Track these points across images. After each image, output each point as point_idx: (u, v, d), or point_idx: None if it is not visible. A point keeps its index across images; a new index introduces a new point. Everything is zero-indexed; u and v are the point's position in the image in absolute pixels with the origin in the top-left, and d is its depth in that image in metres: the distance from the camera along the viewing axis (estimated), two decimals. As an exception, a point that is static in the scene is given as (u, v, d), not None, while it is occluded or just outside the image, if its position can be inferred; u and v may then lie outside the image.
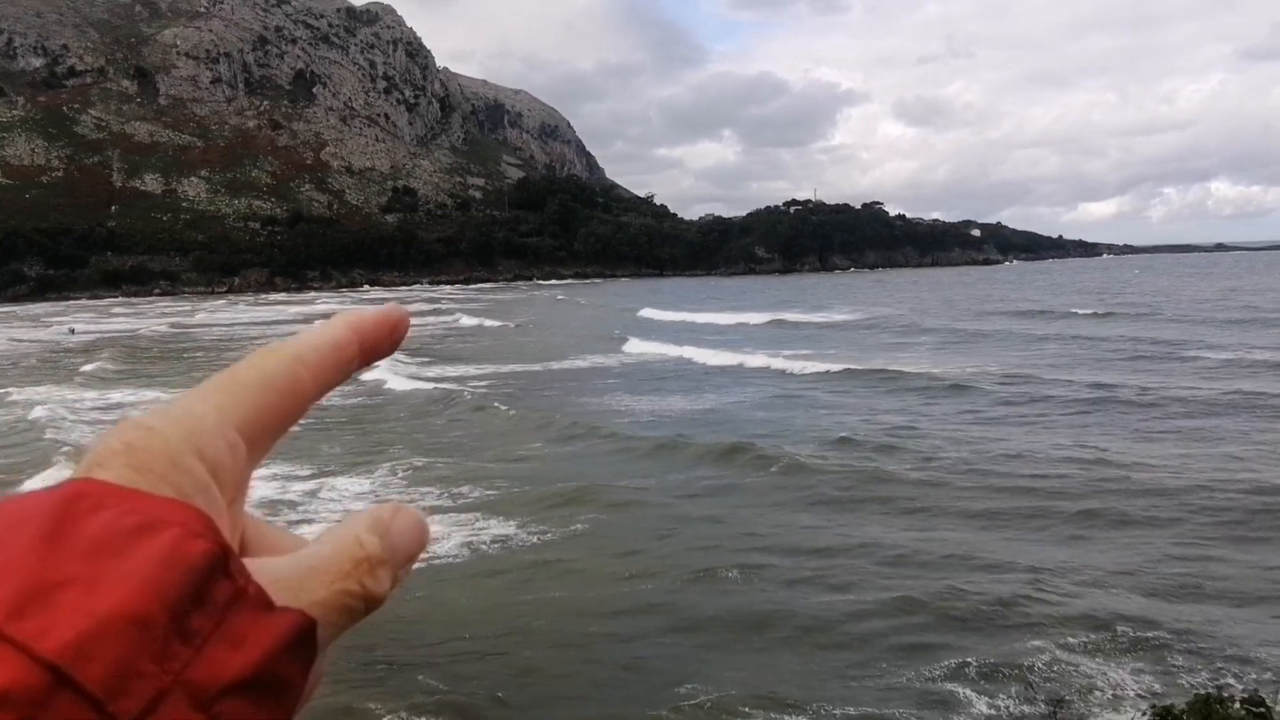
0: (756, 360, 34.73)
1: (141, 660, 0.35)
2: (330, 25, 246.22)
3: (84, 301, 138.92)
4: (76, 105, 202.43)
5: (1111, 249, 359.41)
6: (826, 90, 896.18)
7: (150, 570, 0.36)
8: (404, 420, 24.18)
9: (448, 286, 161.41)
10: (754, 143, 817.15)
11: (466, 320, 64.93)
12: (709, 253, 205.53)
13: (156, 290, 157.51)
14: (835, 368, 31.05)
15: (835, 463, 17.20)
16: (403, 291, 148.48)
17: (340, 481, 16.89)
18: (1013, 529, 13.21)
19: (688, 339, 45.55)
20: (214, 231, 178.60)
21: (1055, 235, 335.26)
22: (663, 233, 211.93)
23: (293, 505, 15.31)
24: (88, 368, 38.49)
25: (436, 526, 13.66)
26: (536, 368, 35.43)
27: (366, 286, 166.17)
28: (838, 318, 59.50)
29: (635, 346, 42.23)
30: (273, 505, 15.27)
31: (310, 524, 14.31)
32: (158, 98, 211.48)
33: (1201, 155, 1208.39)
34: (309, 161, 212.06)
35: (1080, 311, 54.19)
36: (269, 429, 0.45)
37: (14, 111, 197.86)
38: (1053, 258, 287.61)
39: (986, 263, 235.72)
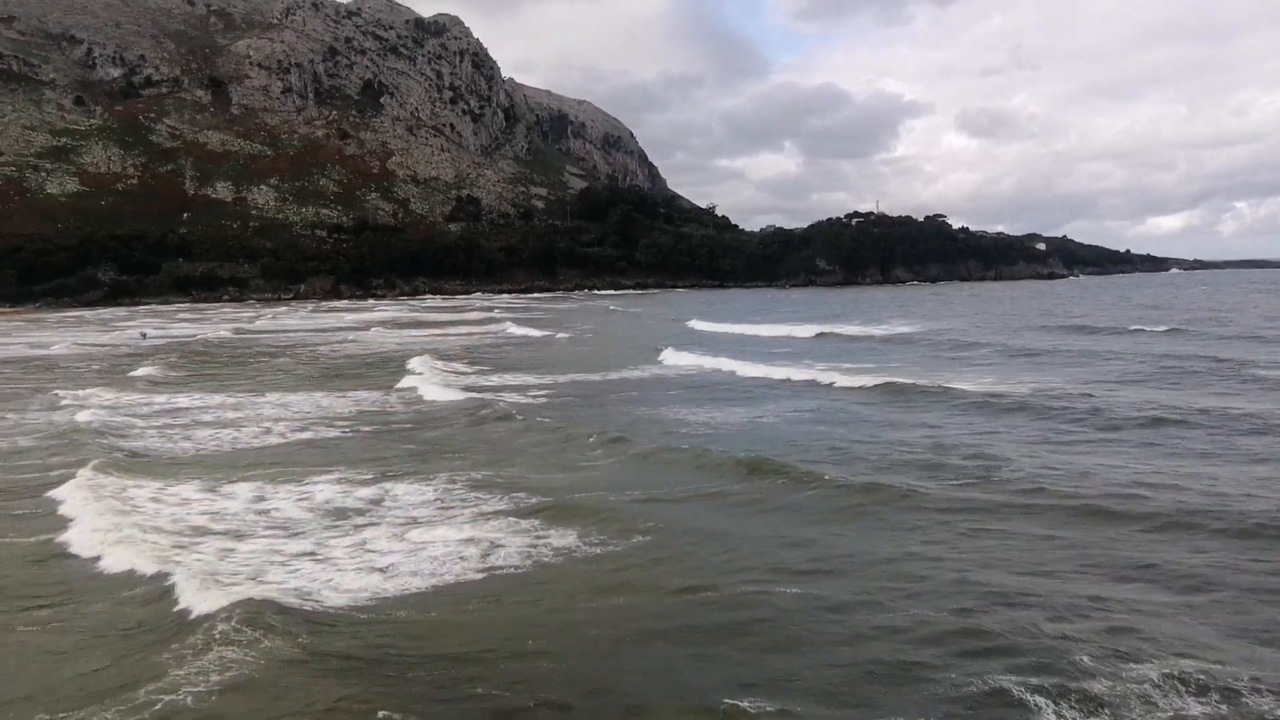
0: (796, 373, 33.61)
1: None
2: (399, 36, 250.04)
3: (152, 306, 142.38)
4: (152, 114, 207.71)
5: (1181, 264, 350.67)
6: (889, 101, 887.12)
7: None
8: (450, 430, 24.08)
9: (505, 295, 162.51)
10: (815, 154, 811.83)
11: (514, 329, 64.93)
12: (770, 264, 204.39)
13: (225, 296, 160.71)
14: (872, 382, 29.81)
15: (861, 479, 16.45)
16: (459, 299, 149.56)
17: (400, 488, 16.85)
18: (1076, 557, 12.46)
19: (730, 351, 44.57)
20: (281, 239, 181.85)
21: (1123, 249, 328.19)
22: (724, 244, 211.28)
23: (359, 512, 15.29)
24: (139, 372, 39.06)
25: (500, 534, 13.71)
26: (566, 379, 34.94)
27: (428, 295, 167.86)
28: (889, 330, 58.05)
29: (671, 358, 41.37)
30: (339, 511, 15.27)
31: (375, 526, 14.34)
32: (230, 107, 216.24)
33: (1274, 169, 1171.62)
34: (375, 170, 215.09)
35: (1149, 329, 52.17)
36: None
37: (92, 120, 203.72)
38: (1119, 272, 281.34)
39: (1051, 277, 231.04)
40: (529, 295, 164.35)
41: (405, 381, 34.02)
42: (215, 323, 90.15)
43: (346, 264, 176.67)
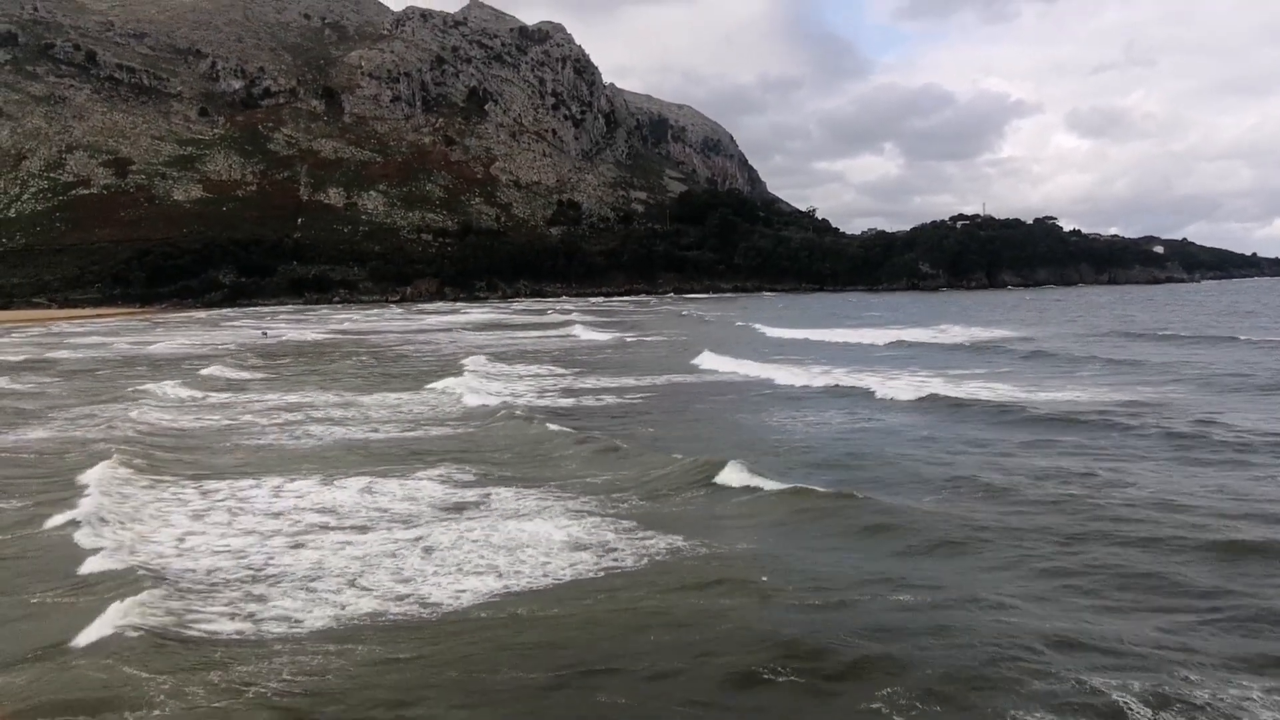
0: (847, 381, 31.49)
1: None
2: (503, 44, 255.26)
3: (258, 308, 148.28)
4: (270, 124, 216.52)
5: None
6: (995, 101, 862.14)
7: None
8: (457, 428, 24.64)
9: (597, 298, 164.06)
10: (917, 155, 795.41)
11: (581, 334, 65.33)
12: (871, 267, 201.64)
13: (335, 298, 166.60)
14: (912, 395, 27.10)
15: (919, 510, 14.84)
16: (548, 302, 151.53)
17: (502, 491, 16.77)
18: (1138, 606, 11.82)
19: (783, 356, 43.15)
20: (389, 243, 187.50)
21: (1249, 253, 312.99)
22: (823, 247, 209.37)
23: (463, 507, 15.66)
24: (206, 371, 40.63)
25: (606, 535, 13.70)
26: (588, 384, 35.05)
27: (518, 299, 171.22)
28: (969, 337, 55.74)
29: (709, 361, 40.52)
30: (455, 506, 15.61)
31: (481, 525, 14.44)
32: (342, 116, 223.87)
33: None
34: (479, 176, 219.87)
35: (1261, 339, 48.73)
36: None
37: (215, 130, 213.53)
38: (1244, 276, 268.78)
39: (1170, 281, 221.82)
40: (623, 298, 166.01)
41: (444, 383, 34.29)
42: (313, 323, 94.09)
43: (451, 267, 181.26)
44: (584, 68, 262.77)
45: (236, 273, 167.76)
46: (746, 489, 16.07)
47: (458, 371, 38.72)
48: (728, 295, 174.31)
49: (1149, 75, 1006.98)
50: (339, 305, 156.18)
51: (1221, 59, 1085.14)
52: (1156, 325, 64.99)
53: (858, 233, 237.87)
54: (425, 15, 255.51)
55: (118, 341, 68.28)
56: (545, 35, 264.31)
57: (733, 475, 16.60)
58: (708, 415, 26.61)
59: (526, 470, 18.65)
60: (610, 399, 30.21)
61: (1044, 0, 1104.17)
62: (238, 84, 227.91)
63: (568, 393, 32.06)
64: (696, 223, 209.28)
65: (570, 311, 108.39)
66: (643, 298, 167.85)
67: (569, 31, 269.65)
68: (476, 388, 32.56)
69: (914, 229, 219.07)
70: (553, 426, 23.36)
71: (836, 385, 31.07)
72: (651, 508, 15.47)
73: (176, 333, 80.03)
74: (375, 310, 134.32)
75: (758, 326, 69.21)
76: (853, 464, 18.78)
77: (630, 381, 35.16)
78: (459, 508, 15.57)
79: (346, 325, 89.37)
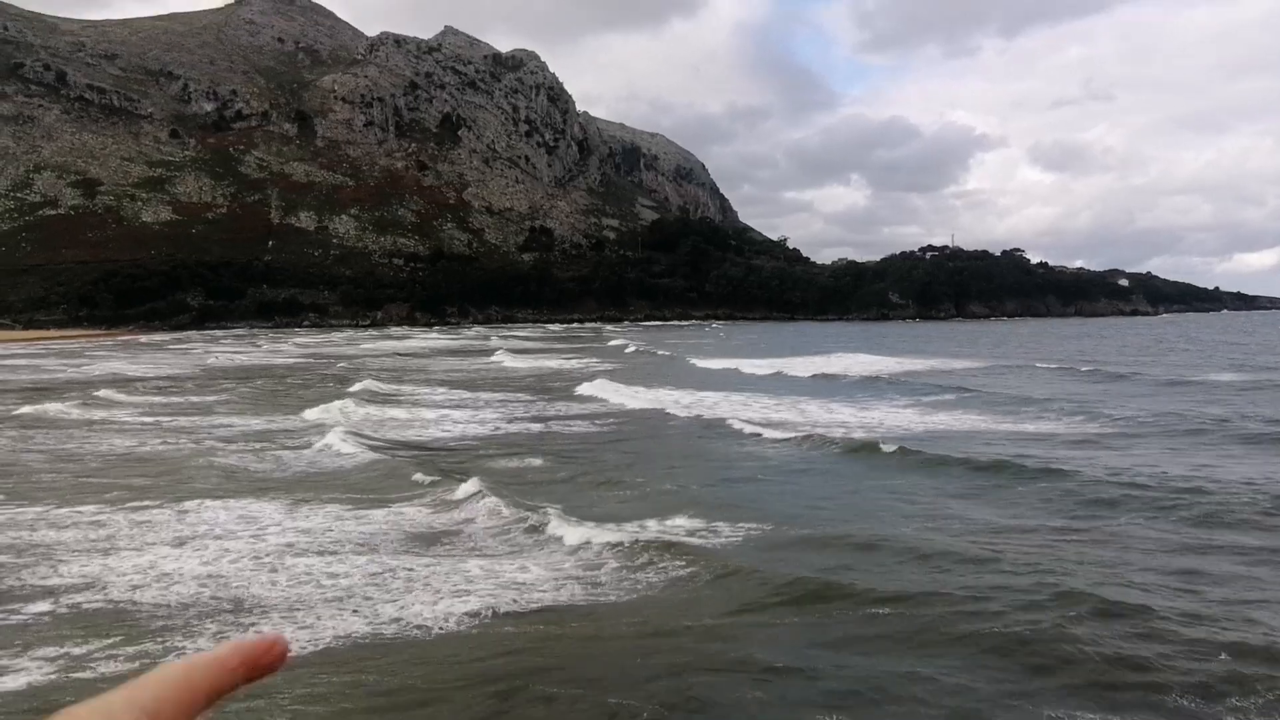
0: (738, 413, 31.20)
1: None
2: (477, 71, 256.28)
3: (227, 331, 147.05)
4: (241, 146, 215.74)
5: (1274, 302, 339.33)
6: (960, 134, 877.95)
7: None
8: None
9: (556, 325, 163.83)
10: (883, 187, 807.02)
11: (507, 361, 64.43)
12: (841, 297, 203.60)
13: (305, 321, 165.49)
14: (791, 434, 26.22)
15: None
16: (486, 327, 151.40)
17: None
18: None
19: (691, 387, 42.89)
20: (360, 267, 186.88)
21: (1211, 286, 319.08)
22: (794, 276, 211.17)
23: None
24: (101, 393, 39.72)
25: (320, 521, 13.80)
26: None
27: (491, 324, 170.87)
28: (899, 367, 55.98)
29: (597, 391, 39.88)
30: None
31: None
32: (315, 140, 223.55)
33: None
34: (452, 201, 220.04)
35: (1220, 378, 48.90)
36: (173, 718, 0.67)
37: (186, 152, 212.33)
38: (1207, 310, 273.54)
39: (1135, 314, 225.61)
40: (595, 324, 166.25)
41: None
42: (252, 348, 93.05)
43: (422, 292, 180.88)
44: (557, 95, 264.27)
45: (205, 295, 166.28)
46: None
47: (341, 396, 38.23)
48: (696, 323, 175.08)
49: (1108, 110, 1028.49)
50: (309, 329, 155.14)
51: (1179, 95, 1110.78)
52: (1071, 359, 65.09)
53: (828, 262, 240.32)
54: (399, 41, 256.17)
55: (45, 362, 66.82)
56: (519, 63, 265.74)
57: (469, 485, 18.11)
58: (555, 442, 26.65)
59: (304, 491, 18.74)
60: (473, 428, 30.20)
61: (1004, 37, 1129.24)
62: (209, 106, 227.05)
63: (431, 423, 31.27)
64: (668, 250, 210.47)
65: (526, 339, 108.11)
66: (610, 326, 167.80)
67: (542, 59, 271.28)
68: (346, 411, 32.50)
69: (884, 259, 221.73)
70: (377, 456, 23.24)
71: (699, 416, 31.19)
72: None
73: (120, 356, 78.07)
74: (338, 334, 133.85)
75: (692, 359, 65.92)
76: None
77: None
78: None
79: (285, 348, 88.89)
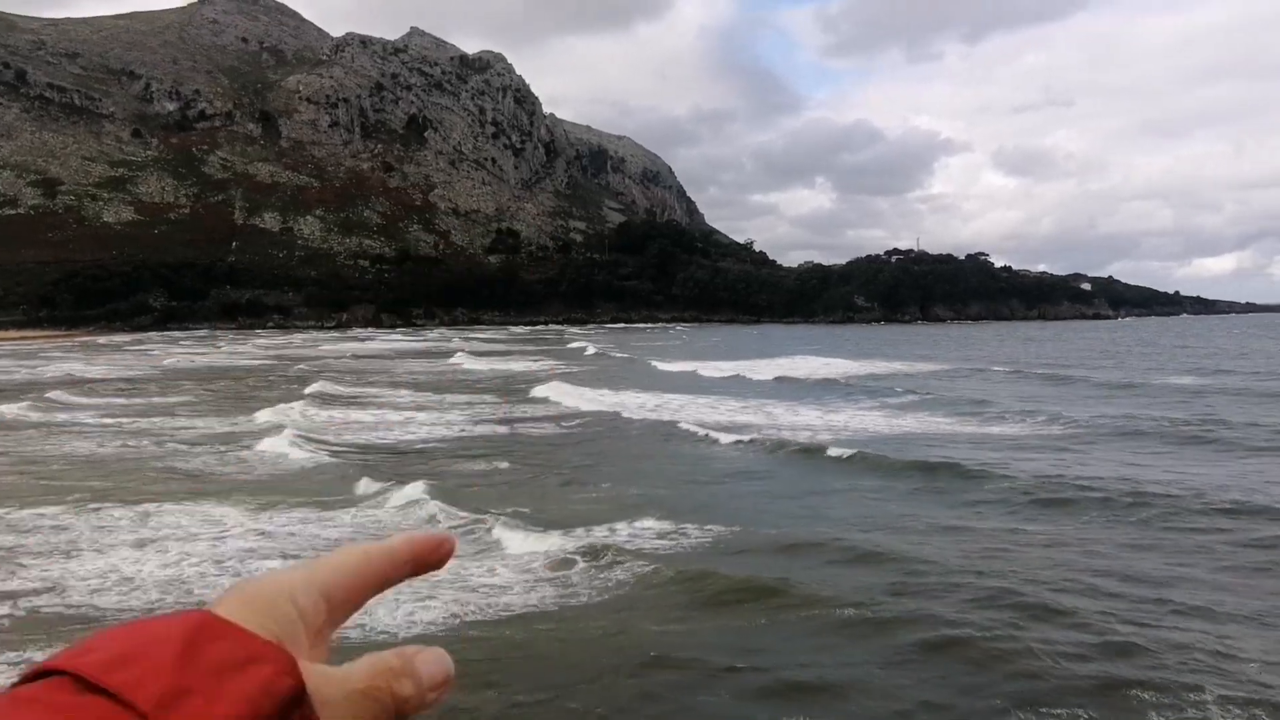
0: (691, 415, 31.38)
1: None
2: (443, 73, 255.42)
3: (189, 332, 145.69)
4: (205, 146, 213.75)
5: (1233, 306, 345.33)
6: (924, 138, 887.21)
7: (253, 693, 0.55)
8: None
9: (521, 328, 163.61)
10: (848, 190, 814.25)
11: (466, 364, 64.21)
12: (807, 300, 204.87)
13: (270, 323, 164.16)
14: (744, 437, 26.22)
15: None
16: (448, 329, 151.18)
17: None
18: None
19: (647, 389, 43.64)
20: (326, 268, 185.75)
21: (1171, 291, 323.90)
22: (760, 279, 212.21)
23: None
24: (54, 394, 39.63)
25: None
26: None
27: (458, 326, 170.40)
28: (862, 369, 56.62)
29: (543, 391, 40.55)
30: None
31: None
32: (279, 140, 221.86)
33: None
34: (418, 203, 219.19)
35: (1177, 380, 49.79)
36: (343, 602, 0.68)
37: (148, 152, 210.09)
38: (1167, 314, 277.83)
39: (1097, 317, 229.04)
40: (560, 326, 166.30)
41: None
42: (208, 349, 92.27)
43: (388, 293, 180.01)
44: (524, 97, 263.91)
45: (167, 296, 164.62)
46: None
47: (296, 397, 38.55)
48: (662, 325, 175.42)
49: (1069, 116, 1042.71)
50: (273, 330, 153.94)
51: (1138, 101, 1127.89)
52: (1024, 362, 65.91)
53: (794, 265, 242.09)
54: (365, 42, 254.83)
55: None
56: (486, 64, 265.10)
57: (411, 490, 18.44)
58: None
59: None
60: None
61: (966, 42, 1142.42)
62: (172, 106, 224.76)
63: (383, 426, 31.33)
64: (635, 253, 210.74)
65: (489, 340, 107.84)
66: (575, 328, 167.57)
67: (509, 61, 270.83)
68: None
69: (849, 262, 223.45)
70: (326, 460, 23.34)
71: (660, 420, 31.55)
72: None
73: (77, 357, 76.87)
74: (301, 335, 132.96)
75: (653, 362, 65.51)
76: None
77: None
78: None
79: (244, 349, 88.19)
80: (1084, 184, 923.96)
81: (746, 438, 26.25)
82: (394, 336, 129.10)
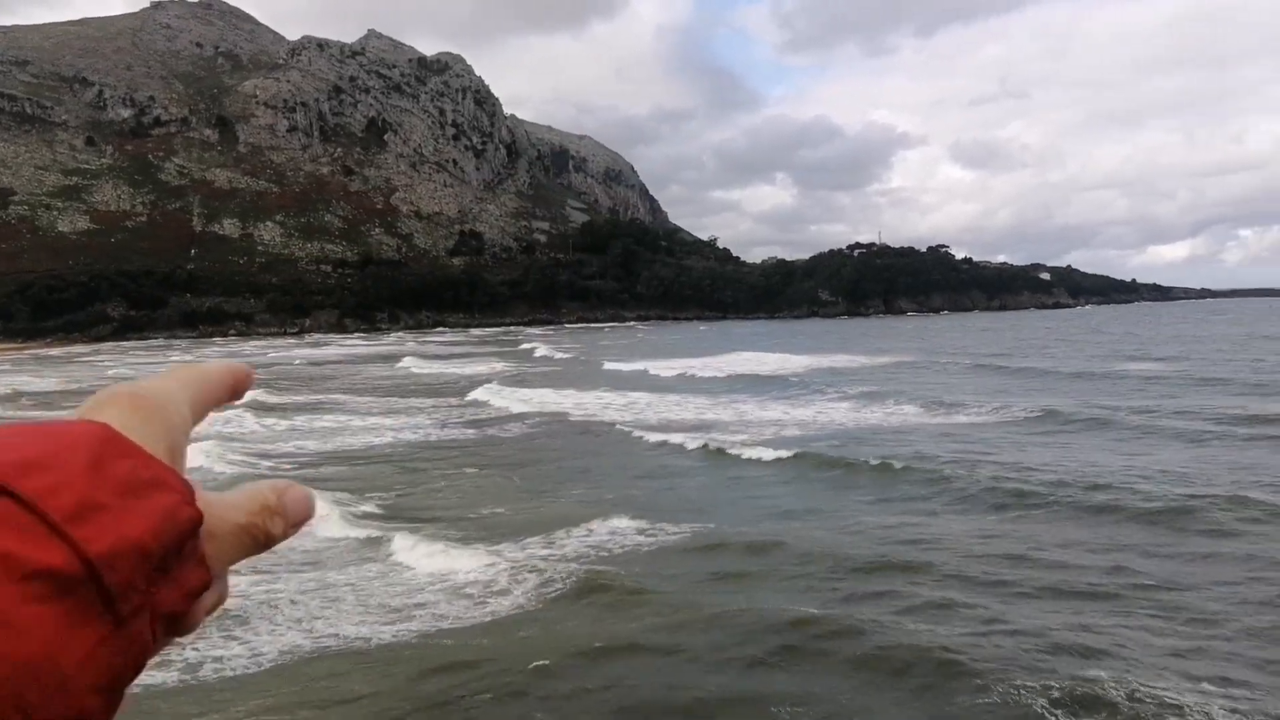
0: (628, 416, 31.94)
1: (138, 580, 0.53)
2: (402, 75, 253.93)
3: (149, 341, 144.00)
4: (161, 153, 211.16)
5: (1188, 293, 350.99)
6: (882, 133, 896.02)
7: (158, 519, 0.54)
8: None
9: (477, 330, 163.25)
10: (809, 186, 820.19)
11: (414, 368, 64.02)
12: (772, 295, 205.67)
13: (231, 331, 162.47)
14: (681, 435, 26.45)
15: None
16: (407, 331, 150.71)
17: None
18: None
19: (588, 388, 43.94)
20: (287, 274, 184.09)
21: (1128, 279, 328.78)
22: (725, 275, 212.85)
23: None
24: None
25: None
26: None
27: (422, 330, 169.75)
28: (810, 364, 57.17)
29: (481, 394, 40.63)
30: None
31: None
32: (237, 145, 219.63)
33: (1277, 197, 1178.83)
34: (379, 206, 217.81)
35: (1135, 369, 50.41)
36: (199, 414, 0.69)
37: (102, 160, 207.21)
38: (1125, 301, 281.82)
39: (1057, 306, 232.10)
40: (527, 328, 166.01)
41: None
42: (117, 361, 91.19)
43: (351, 298, 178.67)
44: (484, 98, 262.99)
45: (126, 306, 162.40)
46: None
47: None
48: (630, 324, 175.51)
49: (1025, 108, 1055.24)
50: (235, 338, 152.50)
51: (1092, 93, 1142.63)
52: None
53: (758, 261, 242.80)
54: (322, 45, 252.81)
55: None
56: (444, 66, 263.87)
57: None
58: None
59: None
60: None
61: (920, 36, 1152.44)
62: (126, 112, 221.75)
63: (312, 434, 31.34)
64: (599, 252, 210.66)
65: (447, 344, 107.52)
66: (535, 329, 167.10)
67: (469, 62, 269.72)
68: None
69: (813, 257, 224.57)
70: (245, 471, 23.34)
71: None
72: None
73: (30, 369, 75.52)
74: (257, 342, 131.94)
75: (610, 365, 64.12)
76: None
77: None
78: None
79: (192, 359, 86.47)
80: (1041, 175, 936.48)
81: (675, 438, 26.49)
82: (351, 341, 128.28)
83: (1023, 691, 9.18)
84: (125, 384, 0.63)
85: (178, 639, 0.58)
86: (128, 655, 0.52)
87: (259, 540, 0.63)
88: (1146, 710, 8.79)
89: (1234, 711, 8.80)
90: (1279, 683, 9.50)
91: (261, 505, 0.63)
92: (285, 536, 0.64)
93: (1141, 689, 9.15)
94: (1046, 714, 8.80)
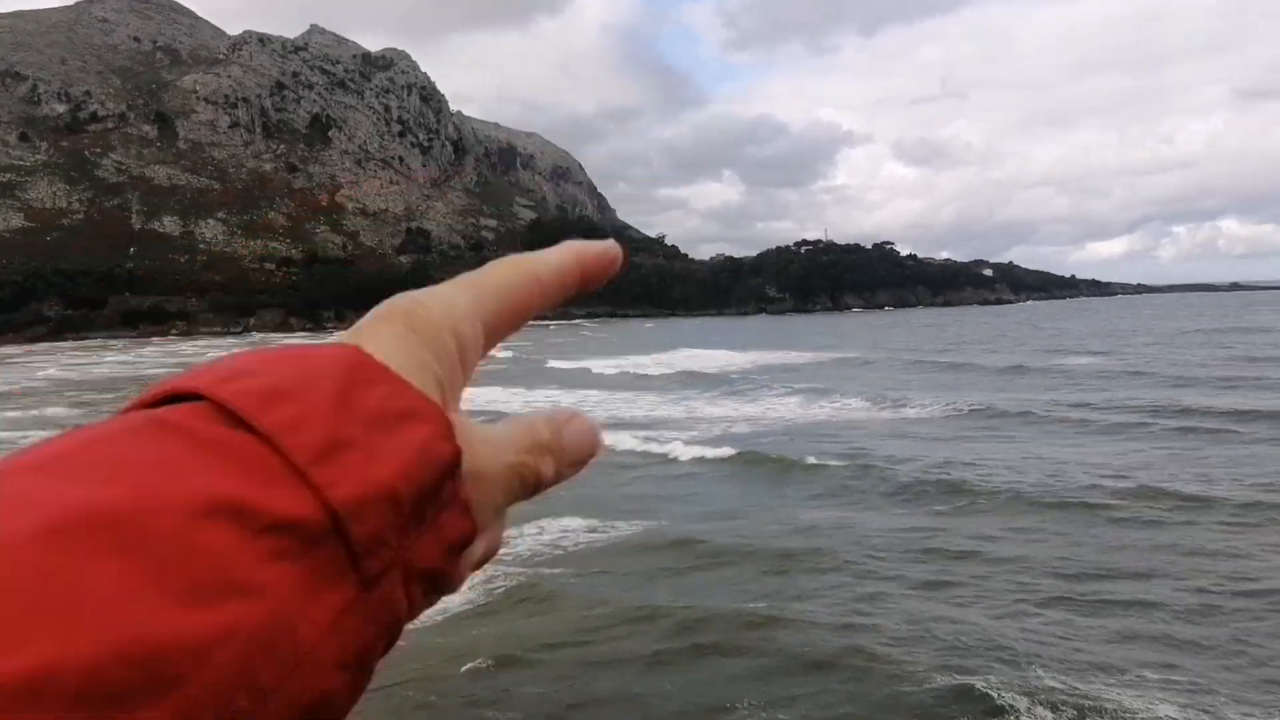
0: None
1: (388, 532, 0.41)
2: (346, 71, 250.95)
3: (85, 342, 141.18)
4: (98, 149, 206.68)
5: (1125, 288, 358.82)
6: (827, 131, 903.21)
7: (411, 457, 0.42)
8: None
9: None
10: (756, 183, 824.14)
11: None
12: (720, 292, 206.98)
13: (173, 330, 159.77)
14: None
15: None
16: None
17: None
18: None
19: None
20: (230, 273, 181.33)
21: (1067, 274, 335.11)
22: (674, 272, 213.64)
23: None
24: None
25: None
26: None
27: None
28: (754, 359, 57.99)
29: None
30: None
31: None
32: (177, 142, 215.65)
33: (1208, 195, 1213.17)
34: (324, 204, 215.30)
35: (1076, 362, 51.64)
36: (500, 329, 0.54)
37: (37, 156, 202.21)
38: (1065, 297, 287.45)
39: (999, 302, 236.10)
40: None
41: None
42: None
43: (296, 297, 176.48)
44: (430, 95, 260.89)
45: (63, 305, 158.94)
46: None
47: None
48: (579, 321, 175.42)
49: (965, 107, 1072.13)
50: (174, 338, 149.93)
51: (1030, 92, 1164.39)
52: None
53: (706, 258, 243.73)
54: (264, 40, 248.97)
55: None
56: (389, 62, 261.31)
57: None
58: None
59: None
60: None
61: (862, 35, 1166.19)
62: (61, 108, 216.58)
63: None
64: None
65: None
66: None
67: (414, 58, 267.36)
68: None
69: (760, 255, 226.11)
70: None
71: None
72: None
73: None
74: (198, 343, 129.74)
75: (551, 362, 63.16)
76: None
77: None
78: None
79: (119, 359, 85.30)
80: (982, 173, 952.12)
81: (623, 435, 26.74)
82: (292, 341, 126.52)
83: (949, 685, 9.50)
84: (410, 294, 0.50)
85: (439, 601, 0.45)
86: (378, 623, 0.41)
87: (527, 483, 0.50)
88: (1084, 703, 9.14)
89: (1169, 684, 9.21)
90: (1216, 667, 9.95)
91: (534, 443, 0.50)
92: (559, 479, 0.51)
93: (1076, 685, 9.52)
94: (971, 709, 9.08)
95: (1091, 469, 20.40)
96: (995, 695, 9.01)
